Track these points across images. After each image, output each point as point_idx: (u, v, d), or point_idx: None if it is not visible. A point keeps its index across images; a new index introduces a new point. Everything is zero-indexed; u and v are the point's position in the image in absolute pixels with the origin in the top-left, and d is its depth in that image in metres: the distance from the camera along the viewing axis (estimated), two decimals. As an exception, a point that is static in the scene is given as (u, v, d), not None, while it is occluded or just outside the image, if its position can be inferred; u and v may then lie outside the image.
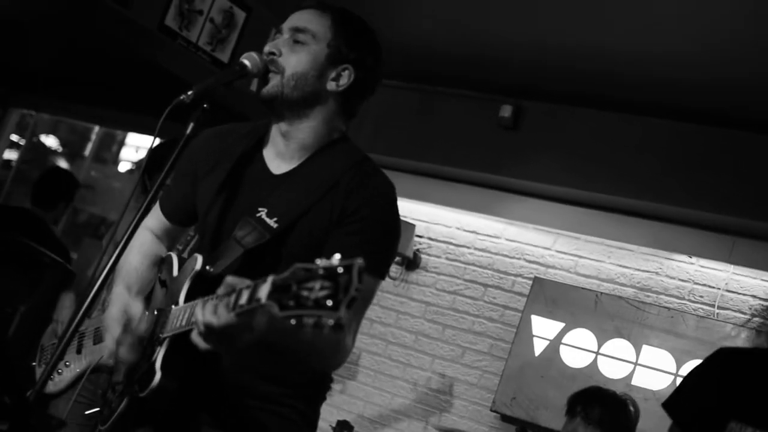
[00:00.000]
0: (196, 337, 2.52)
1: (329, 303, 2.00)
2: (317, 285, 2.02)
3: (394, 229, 3.04)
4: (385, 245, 2.99)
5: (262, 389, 2.95)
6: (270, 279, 2.16)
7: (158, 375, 2.73)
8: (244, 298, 2.31)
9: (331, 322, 2.00)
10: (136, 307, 2.91)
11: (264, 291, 2.17)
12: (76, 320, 2.57)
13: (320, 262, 2.05)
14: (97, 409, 2.99)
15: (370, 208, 2.93)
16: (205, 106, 2.81)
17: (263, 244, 2.90)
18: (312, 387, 3.08)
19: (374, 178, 3.03)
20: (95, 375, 4.92)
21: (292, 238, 2.91)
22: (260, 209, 2.95)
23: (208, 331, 2.47)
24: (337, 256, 2.04)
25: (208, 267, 2.81)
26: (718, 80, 6.04)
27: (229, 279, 2.46)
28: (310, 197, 2.94)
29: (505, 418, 7.01)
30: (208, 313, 2.44)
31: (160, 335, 2.84)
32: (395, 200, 3.04)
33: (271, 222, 2.91)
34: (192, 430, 2.95)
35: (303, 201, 2.94)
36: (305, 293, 2.03)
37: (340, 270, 2.01)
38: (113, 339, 2.88)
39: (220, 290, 2.45)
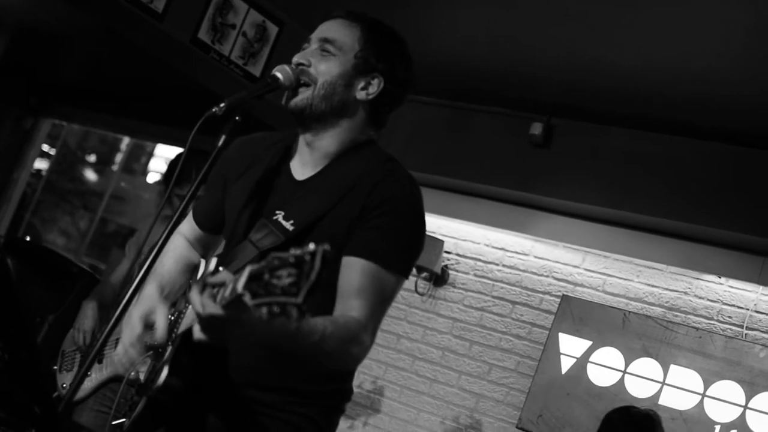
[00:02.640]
0: (195, 329, 2.51)
1: (293, 290, 2.00)
2: (285, 272, 2.02)
3: (417, 226, 3.00)
4: (407, 242, 2.96)
5: (267, 398, 2.93)
6: (248, 268, 2.15)
7: (164, 372, 2.74)
8: (228, 290, 2.30)
9: (294, 309, 2.00)
10: (161, 317, 2.82)
11: (241, 281, 2.15)
12: (105, 332, 2.57)
13: (293, 250, 2.05)
14: (124, 419, 2.99)
15: (392, 204, 2.90)
16: (237, 118, 2.81)
17: (278, 246, 2.88)
18: (326, 397, 3.05)
19: (397, 175, 3.01)
20: (117, 385, 4.95)
21: (309, 240, 2.88)
22: (277, 212, 2.95)
23: (200, 321, 2.46)
24: (311, 245, 2.03)
25: (221, 268, 2.82)
26: (749, 99, 6.01)
27: (223, 273, 2.44)
28: (330, 199, 2.93)
29: (531, 436, 7.00)
30: (197, 303, 2.42)
31: (173, 334, 2.85)
32: (419, 198, 3.01)
33: (287, 225, 2.91)
34: None
35: (322, 203, 2.93)
36: (274, 281, 2.03)
37: (307, 257, 2.01)
38: (130, 337, 2.84)
39: (210, 279, 2.43)
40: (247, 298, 2.09)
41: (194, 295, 2.44)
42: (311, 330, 2.62)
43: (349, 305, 2.79)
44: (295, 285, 2.00)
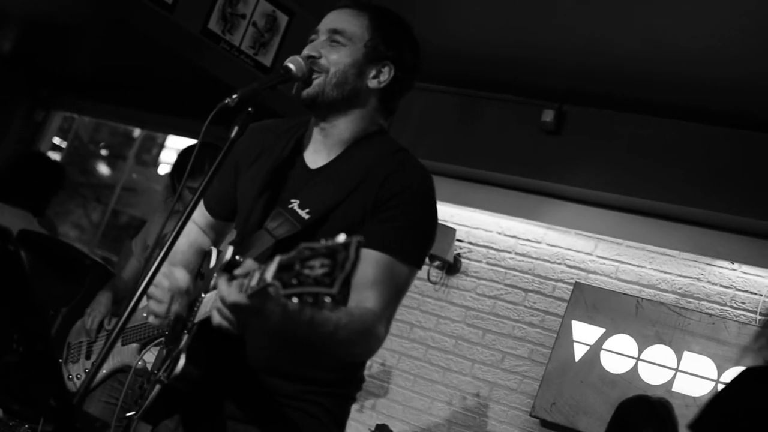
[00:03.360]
0: (214, 315, 2.52)
1: (327, 280, 2.01)
2: (318, 263, 2.04)
3: (429, 218, 3.03)
4: (420, 233, 2.99)
5: (284, 387, 2.95)
6: (277, 259, 2.17)
7: (182, 360, 2.75)
8: (254, 280, 2.32)
9: (328, 299, 2.01)
10: (179, 271, 2.90)
11: (271, 271, 2.18)
12: (120, 324, 2.57)
13: (324, 241, 2.06)
14: (133, 413, 3.00)
15: (405, 196, 2.93)
16: (249, 109, 2.82)
17: (294, 235, 2.90)
18: (339, 385, 3.07)
19: (409, 166, 3.03)
20: (124, 376, 4.97)
21: (325, 229, 2.91)
22: (292, 201, 2.97)
23: (220, 311, 2.48)
24: (342, 236, 2.04)
25: (238, 257, 2.83)
26: (764, 83, 5.98)
27: (248, 262, 2.46)
28: (344, 188, 2.95)
29: (545, 424, 6.98)
30: (223, 291, 2.44)
31: (189, 322, 2.86)
32: (432, 189, 3.03)
33: (303, 213, 2.93)
34: (217, 422, 2.96)
35: (336, 192, 2.95)
36: (306, 271, 2.05)
37: (340, 248, 2.02)
38: (161, 294, 2.86)
39: (237, 271, 2.46)
40: (278, 288, 2.11)
41: (221, 283, 2.46)
42: (326, 321, 2.64)
43: (364, 296, 2.81)
44: (329, 275, 2.01)
